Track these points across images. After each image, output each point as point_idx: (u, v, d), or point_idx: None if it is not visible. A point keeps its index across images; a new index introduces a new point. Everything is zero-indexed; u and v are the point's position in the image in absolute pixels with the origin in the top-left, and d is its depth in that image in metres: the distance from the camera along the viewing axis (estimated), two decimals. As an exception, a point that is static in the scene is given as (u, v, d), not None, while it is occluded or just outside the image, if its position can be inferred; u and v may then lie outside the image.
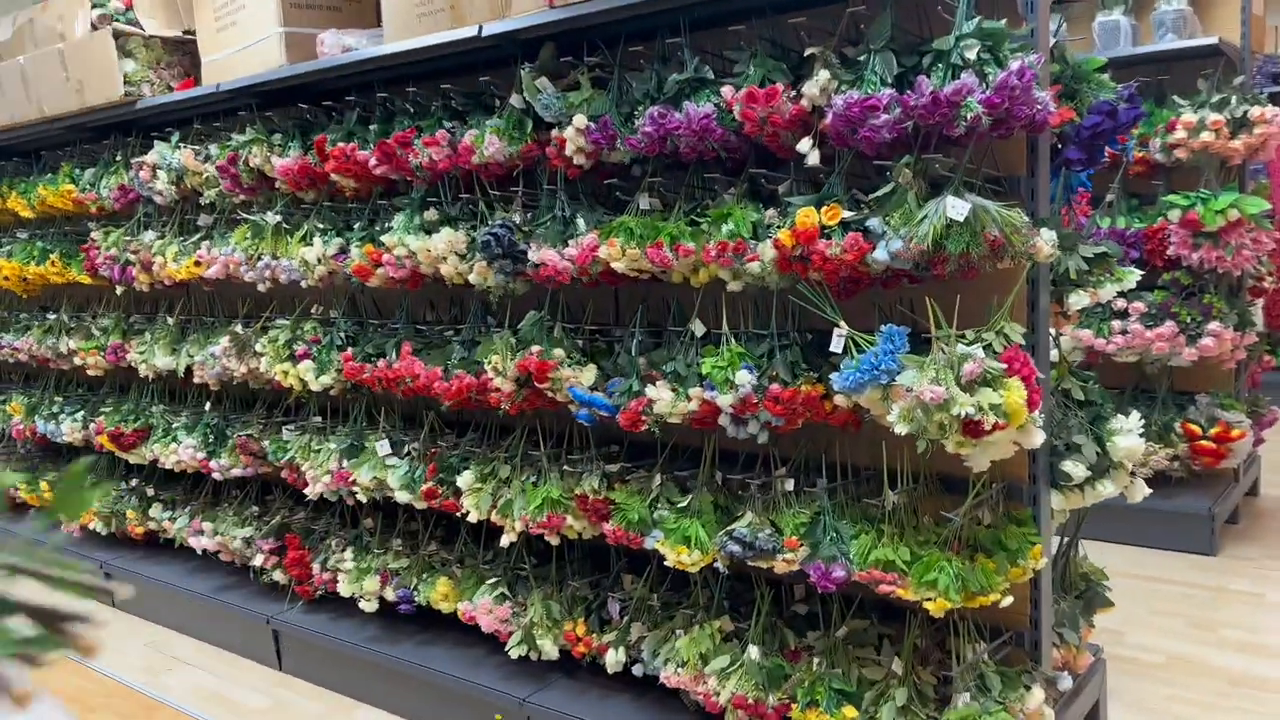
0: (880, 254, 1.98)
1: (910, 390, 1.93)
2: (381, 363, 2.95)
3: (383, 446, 3.06)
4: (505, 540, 2.74)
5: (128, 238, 3.69)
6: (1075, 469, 2.28)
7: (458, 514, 2.86)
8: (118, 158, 3.70)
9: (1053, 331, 2.37)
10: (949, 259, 1.92)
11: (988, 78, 1.91)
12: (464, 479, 2.82)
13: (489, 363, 2.63)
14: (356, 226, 3.03)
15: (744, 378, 2.18)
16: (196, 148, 3.35)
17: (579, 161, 2.44)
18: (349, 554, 3.26)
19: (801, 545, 2.24)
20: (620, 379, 2.46)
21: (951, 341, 1.97)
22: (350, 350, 3.07)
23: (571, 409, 2.57)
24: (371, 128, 2.88)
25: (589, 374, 2.53)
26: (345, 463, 3.13)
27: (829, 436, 2.45)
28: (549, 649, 2.75)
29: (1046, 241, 2.00)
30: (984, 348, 1.97)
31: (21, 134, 3.99)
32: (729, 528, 2.32)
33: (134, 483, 4.15)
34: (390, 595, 3.14)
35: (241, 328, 3.46)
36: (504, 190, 2.71)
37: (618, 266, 2.35)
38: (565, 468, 2.70)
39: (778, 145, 2.20)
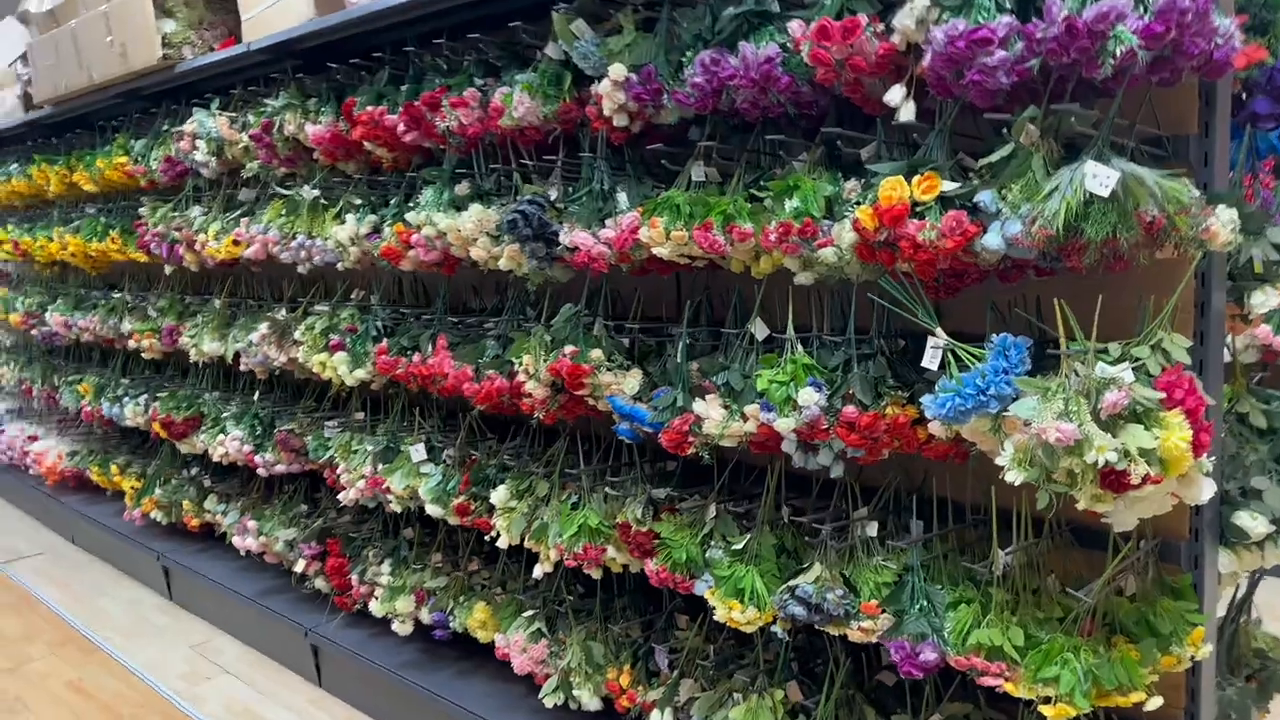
0: (992, 239, 1.47)
1: (1029, 425, 1.42)
2: (416, 357, 2.59)
3: (417, 451, 2.71)
4: (538, 571, 2.35)
5: (175, 214, 3.45)
6: (1254, 522, 1.72)
7: (490, 534, 2.48)
8: (165, 127, 3.46)
9: (1228, 339, 1.81)
10: (1088, 246, 1.39)
11: (1145, 0, 1.37)
12: (498, 495, 2.44)
13: (520, 364, 2.23)
14: (392, 203, 2.67)
15: (809, 397, 1.70)
16: (233, 115, 3.06)
17: (620, 123, 2.00)
18: (386, 567, 2.94)
19: (883, 612, 1.75)
20: (666, 389, 2.02)
21: (1089, 359, 1.45)
22: (386, 342, 2.72)
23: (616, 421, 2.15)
24: (403, 89, 2.51)
25: (632, 380, 2.10)
26: (380, 467, 2.79)
27: (925, 466, 1.95)
28: (588, 700, 2.35)
29: (1224, 223, 1.44)
30: (1133, 368, 1.44)
31: (78, 104, 3.81)
32: (792, 583, 1.85)
33: (194, 471, 3.96)
34: (425, 617, 2.80)
35: (285, 313, 3.17)
36: (547, 160, 2.29)
37: (661, 252, 1.90)
38: (608, 490, 2.28)
39: (861, 97, 1.70)
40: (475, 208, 2.28)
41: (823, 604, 1.78)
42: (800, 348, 1.82)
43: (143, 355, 3.83)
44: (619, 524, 2.20)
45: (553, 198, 2.18)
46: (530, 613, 2.53)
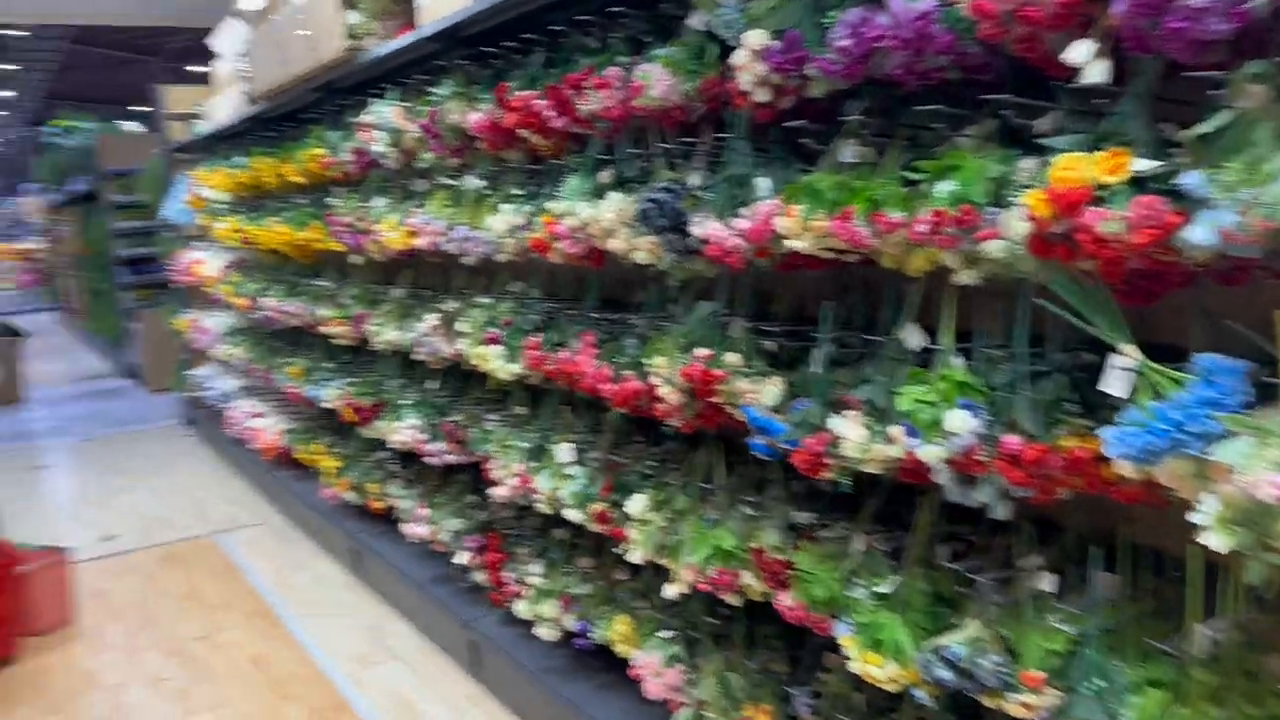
0: (1200, 233, 1.14)
1: (1237, 475, 1.08)
2: (563, 353, 2.47)
3: (563, 451, 2.59)
4: (670, 591, 2.16)
5: (360, 204, 3.52)
6: None
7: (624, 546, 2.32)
8: (351, 120, 3.54)
9: None
10: (1332, 243, 1.04)
11: None
12: (633, 505, 2.27)
13: (652, 366, 2.05)
14: (542, 193, 2.56)
15: (960, 422, 1.41)
16: (408, 105, 3.06)
17: (763, 98, 1.76)
18: (537, 567, 2.85)
19: (1047, 687, 1.43)
20: (805, 401, 1.77)
21: (1331, 393, 1.09)
22: (537, 336, 2.62)
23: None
24: (554, 71, 2.38)
25: (772, 389, 1.86)
26: (530, 465, 2.70)
27: (1118, 506, 1.59)
28: (721, 737, 2.14)
29: None
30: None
31: (285, 98, 3.98)
32: (940, 640, 1.57)
33: (382, 455, 4.06)
34: (570, 624, 2.68)
35: (453, 304, 3.15)
36: (693, 143, 2.09)
37: (798, 245, 1.66)
38: (747, 509, 2.06)
39: (1040, 55, 1.38)
40: (614, 196, 2.11)
41: (974, 670, 1.48)
42: (958, 360, 1.53)
43: (336, 343, 3.96)
44: (754, 549, 1.97)
45: (694, 184, 1.97)
46: (667, 633, 2.35)
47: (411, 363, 3.81)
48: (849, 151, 1.69)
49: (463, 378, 3.50)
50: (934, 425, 1.46)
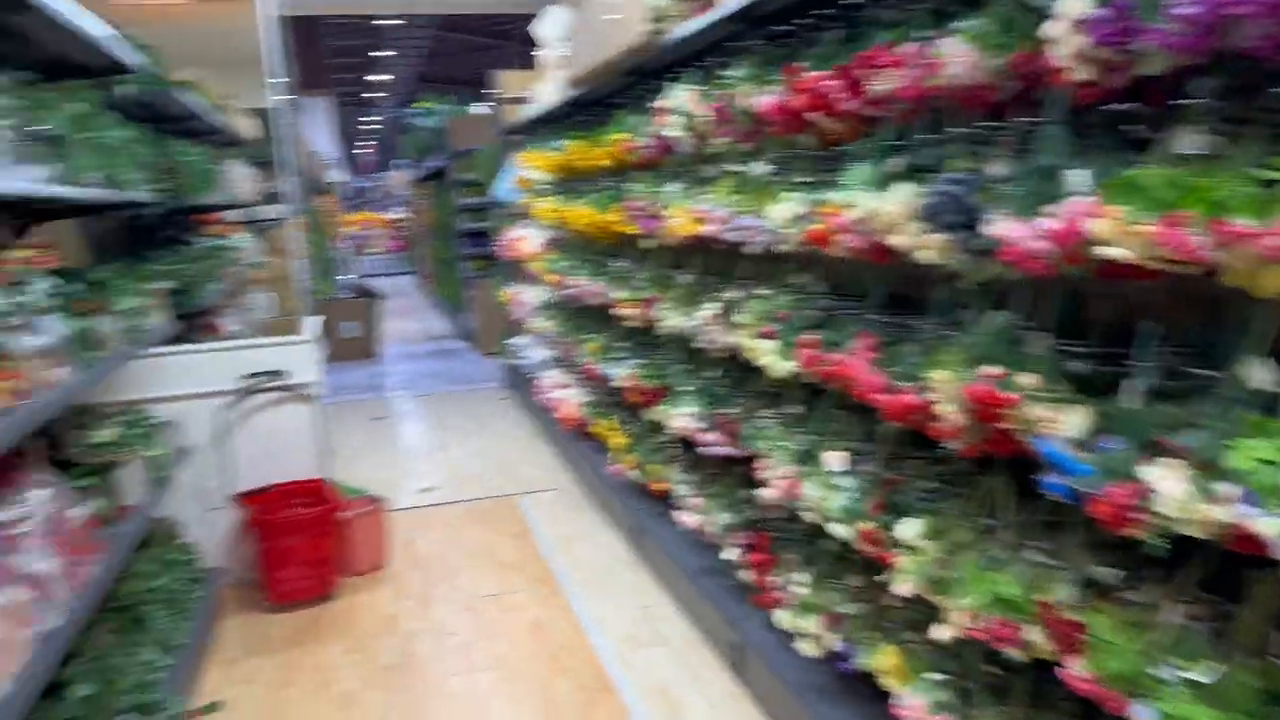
0: None
1: None
2: (838, 354, 2.30)
3: (833, 459, 2.41)
4: (938, 634, 1.93)
5: (654, 189, 3.51)
6: None
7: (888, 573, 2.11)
8: (651, 105, 3.53)
9: None
10: None
11: None
12: (905, 529, 2.05)
13: (932, 380, 1.82)
14: (832, 181, 2.38)
15: (1317, 494, 1.09)
16: (704, 89, 2.98)
17: (1084, 76, 1.48)
18: (804, 577, 2.70)
19: None
20: (1114, 440, 1.48)
21: None
22: (814, 334, 2.46)
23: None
24: (849, 50, 2.19)
25: (1074, 419, 1.58)
26: (800, 469, 2.55)
27: None
28: (989, 806, 1.89)
29: None
30: None
31: (598, 83, 4.06)
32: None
33: (664, 438, 4.07)
34: (833, 643, 2.51)
35: (735, 293, 3.05)
36: (997, 129, 1.83)
37: (1116, 254, 1.38)
38: (1036, 555, 1.78)
39: None
40: (901, 187, 1.90)
41: (1314, 809, 1.16)
42: (1321, 411, 1.19)
43: (627, 325, 4.01)
44: (1042, 602, 1.70)
45: (993, 175, 1.72)
46: (938, 676, 2.11)
47: (694, 349, 3.78)
48: (1189, 141, 1.37)
49: (743, 369, 3.40)
50: (1275, 492, 1.14)
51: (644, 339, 4.27)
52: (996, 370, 1.68)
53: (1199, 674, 1.40)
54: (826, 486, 2.40)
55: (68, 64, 2.79)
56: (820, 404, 2.70)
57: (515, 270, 7.14)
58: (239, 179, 5.57)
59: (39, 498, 2.18)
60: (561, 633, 3.46)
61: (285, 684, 3.19)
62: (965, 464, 2.15)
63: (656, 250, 3.95)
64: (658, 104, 3.23)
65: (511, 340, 7.43)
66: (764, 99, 2.53)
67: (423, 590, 3.90)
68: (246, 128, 6.14)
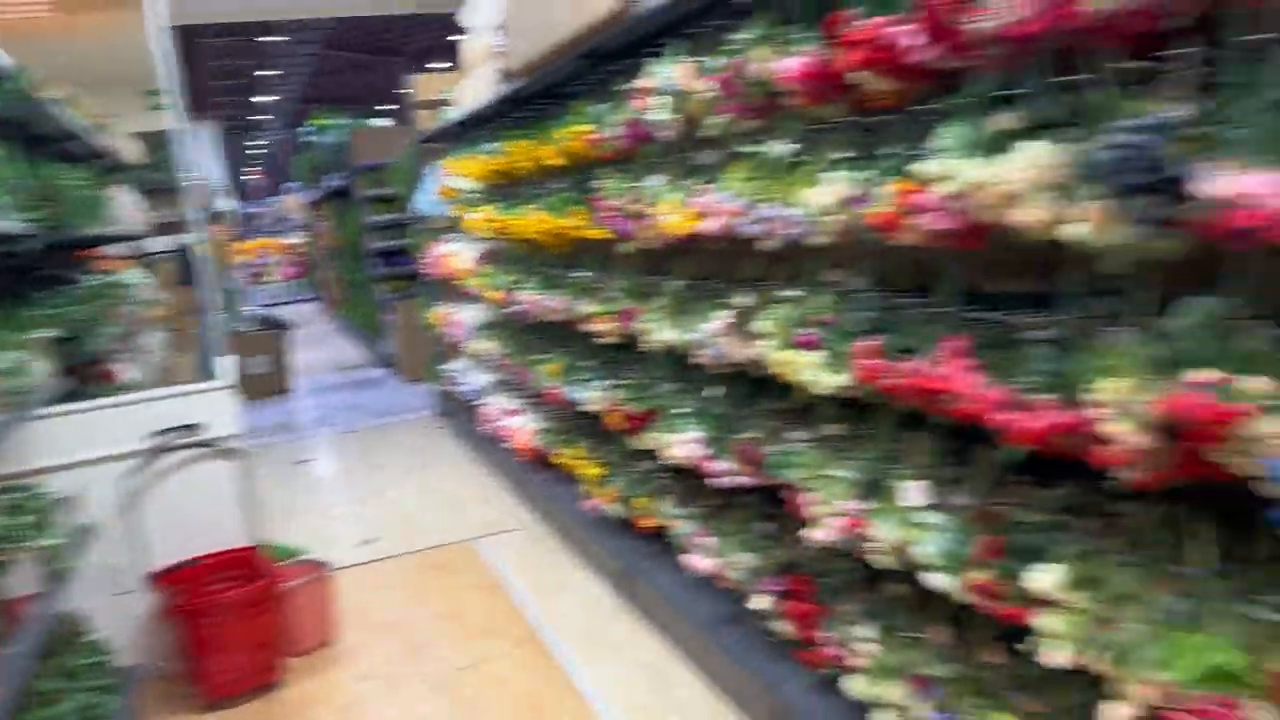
0: None
1: None
2: (915, 363, 1.87)
3: (913, 491, 1.99)
4: (1119, 716, 1.51)
5: (630, 185, 3.06)
6: None
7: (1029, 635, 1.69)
8: (621, 88, 3.07)
9: None
10: None
11: None
12: (1043, 578, 1.64)
13: (1099, 390, 1.41)
14: (891, 154, 1.96)
15: None
16: (699, 60, 2.54)
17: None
18: (870, 631, 2.27)
19: None
20: None
21: None
22: (873, 340, 2.04)
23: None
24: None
25: (1330, 435, 1.18)
26: (863, 505, 2.12)
27: None
28: None
29: None
30: None
31: (543, 72, 3.58)
32: None
33: (649, 466, 3.61)
34: (927, 714, 2.08)
35: (753, 298, 2.61)
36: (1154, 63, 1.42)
37: None
38: (1255, 608, 1.38)
39: None
40: (1036, 146, 1.48)
41: None
42: None
43: (598, 341, 3.54)
44: (1271, 672, 1.30)
45: (1180, 119, 1.31)
46: (1088, 756, 1.70)
47: (685, 365, 3.32)
48: None
49: (751, 385, 2.96)
50: None
51: (616, 356, 3.80)
52: (1212, 375, 1.27)
53: None
54: (907, 525, 1.98)
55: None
56: (876, 422, 2.27)
57: (443, 289, 6.58)
58: (127, 208, 4.91)
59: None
60: (561, 708, 2.96)
61: (233, 807, 2.61)
62: (1104, 493, 1.75)
63: (629, 256, 3.48)
64: (636, 85, 2.77)
65: (444, 365, 6.85)
66: (791, 62, 2.09)
67: (385, 667, 3.34)
68: (133, 152, 5.45)
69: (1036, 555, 1.70)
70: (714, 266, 3.01)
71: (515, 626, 3.56)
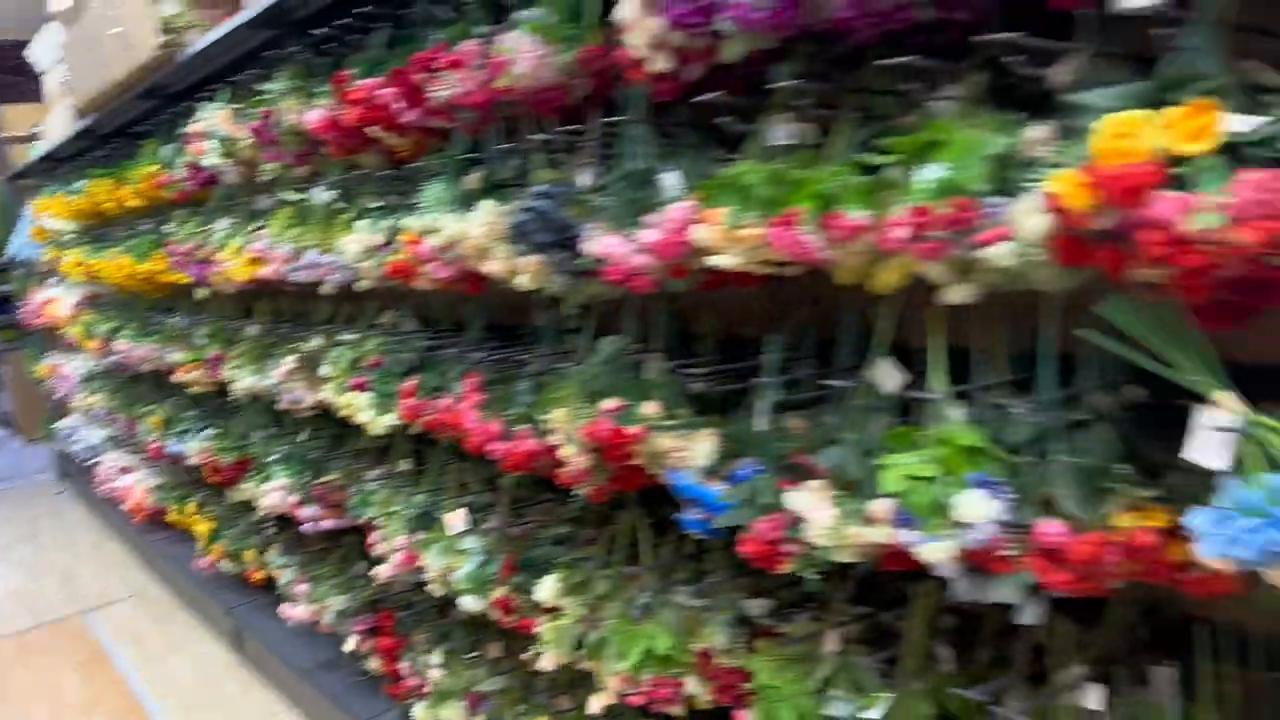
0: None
1: None
2: (445, 400, 2.00)
3: (455, 520, 2.12)
4: (596, 705, 1.71)
5: (202, 228, 2.98)
6: None
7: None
8: (182, 129, 2.98)
9: None
10: None
11: None
12: (543, 590, 1.81)
13: (550, 421, 1.59)
14: (408, 204, 2.07)
15: (979, 509, 0.99)
16: (238, 106, 2.54)
17: (662, 66, 1.31)
18: (436, 657, 2.37)
19: None
20: (750, 466, 1.33)
21: None
22: (412, 379, 2.14)
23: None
24: (400, 53, 1.90)
25: (703, 446, 1.42)
26: (417, 536, 2.22)
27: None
28: None
29: None
30: None
31: (114, 110, 3.40)
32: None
33: (257, 518, 3.51)
34: (481, 727, 2.22)
35: (316, 341, 2.64)
36: (575, 134, 1.63)
37: (724, 262, 1.22)
38: (686, 599, 1.62)
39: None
40: (485, 206, 1.64)
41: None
42: (955, 411, 1.10)
43: (190, 389, 3.41)
44: (699, 651, 1.53)
45: (583, 185, 1.52)
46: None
47: (275, 411, 3.28)
48: (782, 131, 1.25)
49: (341, 427, 2.98)
50: (937, 510, 1.03)
51: (215, 405, 3.66)
52: (615, 403, 1.48)
53: (871, 712, 1.29)
54: (450, 552, 2.09)
55: None
56: (433, 456, 2.38)
57: (50, 339, 5.99)
58: None
59: None
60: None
61: None
62: (599, 505, 1.95)
63: (216, 299, 3.38)
64: (189, 129, 2.71)
65: (59, 422, 6.23)
66: (313, 114, 2.16)
67: (-47, 771, 3.02)
68: None
69: (545, 568, 1.87)
70: (294, 309, 3.00)
71: (116, 699, 3.32)
